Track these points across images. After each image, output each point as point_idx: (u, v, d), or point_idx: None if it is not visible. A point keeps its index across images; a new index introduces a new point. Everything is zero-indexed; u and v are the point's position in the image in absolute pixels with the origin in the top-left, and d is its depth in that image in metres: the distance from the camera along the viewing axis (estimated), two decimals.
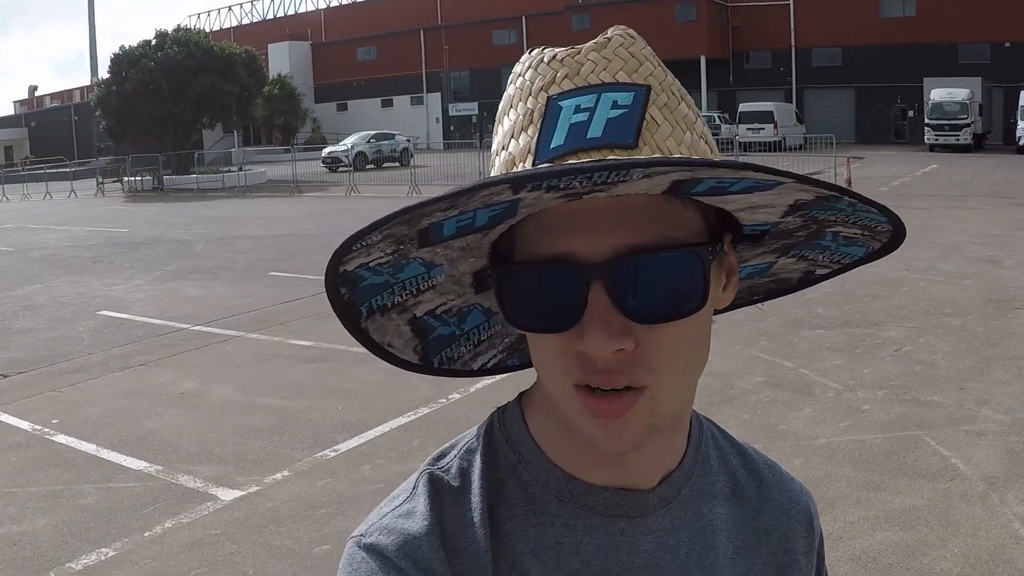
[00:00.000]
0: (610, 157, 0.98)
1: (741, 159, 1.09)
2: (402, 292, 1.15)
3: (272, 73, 75.30)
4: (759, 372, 10.32)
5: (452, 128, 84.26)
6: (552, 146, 1.02)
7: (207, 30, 78.07)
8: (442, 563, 1.07)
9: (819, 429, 8.60)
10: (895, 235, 1.24)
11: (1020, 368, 10.41)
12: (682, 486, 1.21)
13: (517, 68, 1.12)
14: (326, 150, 59.74)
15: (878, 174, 35.53)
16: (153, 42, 55.56)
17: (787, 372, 10.38)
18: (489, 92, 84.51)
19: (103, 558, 6.38)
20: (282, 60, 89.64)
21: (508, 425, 1.22)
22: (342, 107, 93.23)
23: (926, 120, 59.04)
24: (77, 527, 6.94)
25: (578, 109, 1.03)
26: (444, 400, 9.61)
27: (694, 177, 0.97)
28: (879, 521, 6.67)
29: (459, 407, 9.39)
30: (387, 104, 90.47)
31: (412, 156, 52.93)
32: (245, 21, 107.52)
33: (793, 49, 73.72)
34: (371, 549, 1.09)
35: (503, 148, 1.08)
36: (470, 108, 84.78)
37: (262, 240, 24.43)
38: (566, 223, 1.02)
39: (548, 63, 1.08)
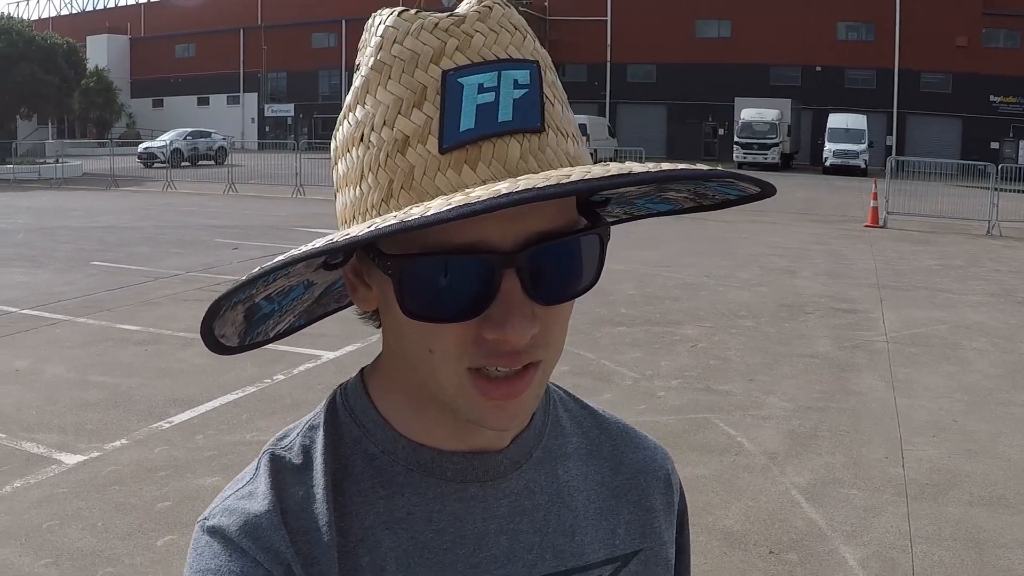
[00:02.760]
0: (523, 139, 0.99)
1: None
2: (263, 283, 1.09)
3: (90, 66, 73.68)
4: (563, 363, 10.62)
5: (267, 129, 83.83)
6: (462, 129, 0.98)
7: (27, 18, 76.37)
8: (284, 541, 1.09)
9: (617, 411, 8.89)
10: (721, 203, 1.19)
11: (806, 364, 11.52)
12: (533, 448, 1.23)
13: (387, 32, 1.04)
14: (142, 145, 58.84)
15: None
16: None
17: (589, 363, 11.16)
18: (306, 94, 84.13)
19: None
20: (100, 53, 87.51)
21: (351, 400, 1.22)
22: (158, 103, 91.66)
23: (735, 138, 60.92)
24: None
25: (481, 88, 1.00)
26: (269, 380, 10.17)
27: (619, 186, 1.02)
28: None
29: (283, 387, 9.98)
30: (203, 102, 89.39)
31: (228, 155, 52.73)
32: (64, 12, 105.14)
33: (609, 64, 74.69)
34: (214, 531, 1.10)
35: (386, 124, 1.01)
36: (286, 109, 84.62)
37: (82, 231, 24.35)
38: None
39: (432, 32, 1.02)
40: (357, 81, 1.06)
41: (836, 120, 60.23)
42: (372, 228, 0.91)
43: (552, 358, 1.08)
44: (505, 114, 0.99)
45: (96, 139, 72.29)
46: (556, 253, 1.03)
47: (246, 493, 1.13)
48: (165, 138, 58.23)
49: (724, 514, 7.09)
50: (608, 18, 75.19)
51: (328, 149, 1.13)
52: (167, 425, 8.79)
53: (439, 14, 1.03)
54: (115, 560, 6.06)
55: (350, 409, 1.20)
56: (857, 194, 33.41)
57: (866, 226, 27.53)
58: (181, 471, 7.63)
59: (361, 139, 1.04)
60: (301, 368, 10.61)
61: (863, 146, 57.80)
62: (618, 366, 11.14)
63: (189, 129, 61.35)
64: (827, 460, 8.29)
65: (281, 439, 1.20)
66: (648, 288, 15.95)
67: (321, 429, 1.19)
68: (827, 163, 58.30)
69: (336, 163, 1.10)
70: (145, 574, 5.91)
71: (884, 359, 11.82)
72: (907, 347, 12.49)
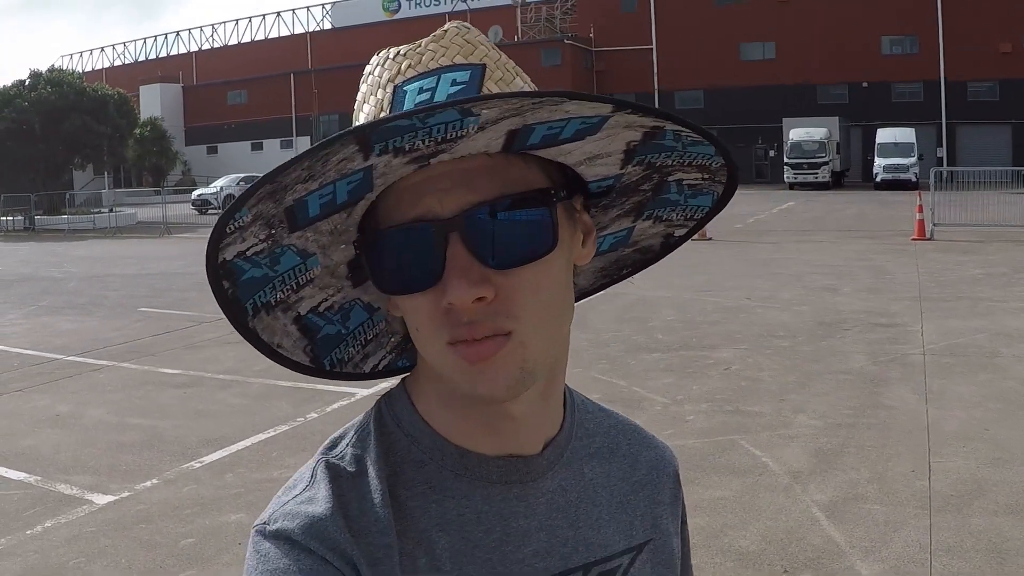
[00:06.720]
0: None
1: None
2: (283, 287, 1.20)
3: (143, 115, 74.68)
4: (595, 391, 10.77)
5: None
6: None
7: (80, 70, 77.25)
8: (349, 543, 1.12)
9: None
10: (730, 171, 1.30)
11: (838, 381, 11.32)
12: (564, 449, 1.30)
13: (367, 68, 1.19)
14: (196, 192, 59.94)
15: (735, 212, 35.30)
16: (27, 82, 55.14)
17: (621, 390, 11.13)
18: None
19: None
20: (153, 102, 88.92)
21: (396, 409, 1.27)
22: (212, 150, 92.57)
23: (785, 159, 60.40)
24: None
25: (421, 90, 1.12)
26: (302, 419, 10.32)
27: (525, 124, 1.05)
28: (688, 510, 7.42)
29: (315, 424, 10.09)
30: (257, 147, 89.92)
31: None
32: (117, 63, 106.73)
33: (656, 92, 74.34)
34: (277, 535, 1.12)
35: None
36: None
37: (132, 279, 24.76)
38: (419, 190, 1.10)
39: (393, 59, 1.16)
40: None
41: (884, 135, 59.40)
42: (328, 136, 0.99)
43: (529, 332, 1.11)
44: None
45: (152, 187, 73.25)
46: (497, 214, 1.09)
47: (306, 499, 1.16)
48: (217, 184, 59.55)
49: (740, 535, 6.99)
50: (653, 46, 74.96)
51: None
52: (198, 465, 8.95)
53: (407, 44, 1.18)
54: None
55: (396, 419, 1.25)
56: (906, 208, 32.79)
57: (913, 239, 27.11)
58: (207, 509, 7.78)
59: None
60: (335, 406, 10.73)
61: (912, 159, 56.85)
62: (649, 392, 11.06)
63: (242, 175, 62.46)
64: (851, 476, 8.13)
65: (331, 448, 1.24)
66: (688, 314, 15.87)
67: (371, 439, 1.23)
68: (878, 179, 57.61)
69: None
70: None
71: (919, 371, 11.58)
72: (943, 358, 12.27)
